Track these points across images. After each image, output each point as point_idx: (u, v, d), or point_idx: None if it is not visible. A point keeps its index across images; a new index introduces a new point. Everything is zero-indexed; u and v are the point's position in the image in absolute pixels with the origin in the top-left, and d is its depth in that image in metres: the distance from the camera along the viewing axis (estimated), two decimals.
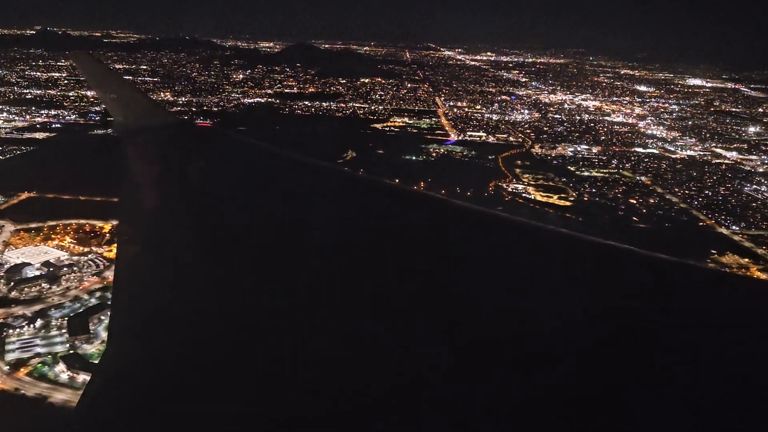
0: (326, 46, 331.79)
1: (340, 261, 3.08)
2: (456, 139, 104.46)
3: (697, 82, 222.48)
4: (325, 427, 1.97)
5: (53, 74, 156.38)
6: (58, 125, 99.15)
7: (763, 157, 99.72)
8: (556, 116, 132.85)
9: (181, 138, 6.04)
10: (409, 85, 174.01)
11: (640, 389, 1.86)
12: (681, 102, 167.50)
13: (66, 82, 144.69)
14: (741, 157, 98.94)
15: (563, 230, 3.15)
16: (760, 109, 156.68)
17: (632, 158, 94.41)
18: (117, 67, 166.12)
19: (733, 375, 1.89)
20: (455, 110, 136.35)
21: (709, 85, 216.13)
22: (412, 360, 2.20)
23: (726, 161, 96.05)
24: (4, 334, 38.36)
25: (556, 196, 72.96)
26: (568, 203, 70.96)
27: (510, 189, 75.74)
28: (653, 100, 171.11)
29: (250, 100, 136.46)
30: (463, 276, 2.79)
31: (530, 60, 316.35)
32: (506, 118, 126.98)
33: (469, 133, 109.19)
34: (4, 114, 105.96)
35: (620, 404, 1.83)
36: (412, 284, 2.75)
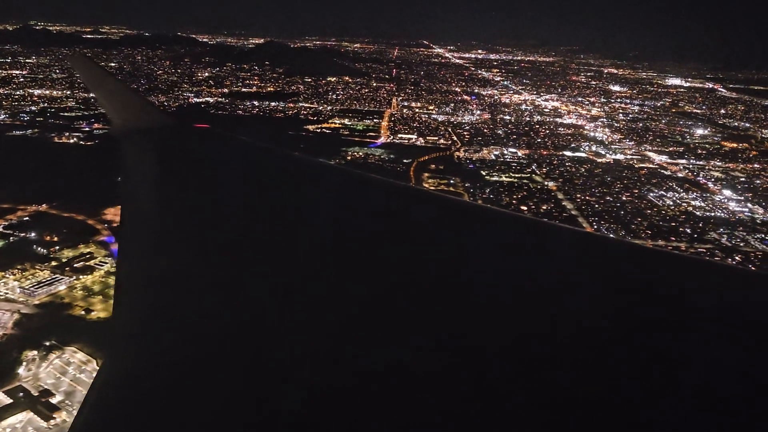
0: (317, 42, 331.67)
1: (342, 259, 3.08)
2: (383, 141, 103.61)
3: (677, 81, 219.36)
4: (326, 427, 1.95)
5: (13, 72, 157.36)
6: None
7: (691, 160, 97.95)
8: (505, 117, 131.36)
9: (179, 139, 6.14)
10: (374, 84, 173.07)
11: (647, 387, 1.88)
12: (646, 102, 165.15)
13: (21, 80, 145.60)
14: (669, 161, 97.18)
15: (570, 227, 3.38)
16: (722, 111, 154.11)
17: (554, 162, 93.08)
18: None
19: (738, 369, 1.94)
20: (405, 111, 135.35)
21: (687, 84, 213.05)
22: (415, 357, 2.20)
23: (650, 165, 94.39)
24: None
25: None
26: None
27: None
28: (619, 100, 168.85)
29: (199, 100, 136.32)
30: (464, 271, 2.84)
31: (518, 58, 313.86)
32: (452, 119, 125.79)
33: (399, 136, 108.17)
34: None
35: (628, 398, 1.85)
36: (414, 280, 2.77)
